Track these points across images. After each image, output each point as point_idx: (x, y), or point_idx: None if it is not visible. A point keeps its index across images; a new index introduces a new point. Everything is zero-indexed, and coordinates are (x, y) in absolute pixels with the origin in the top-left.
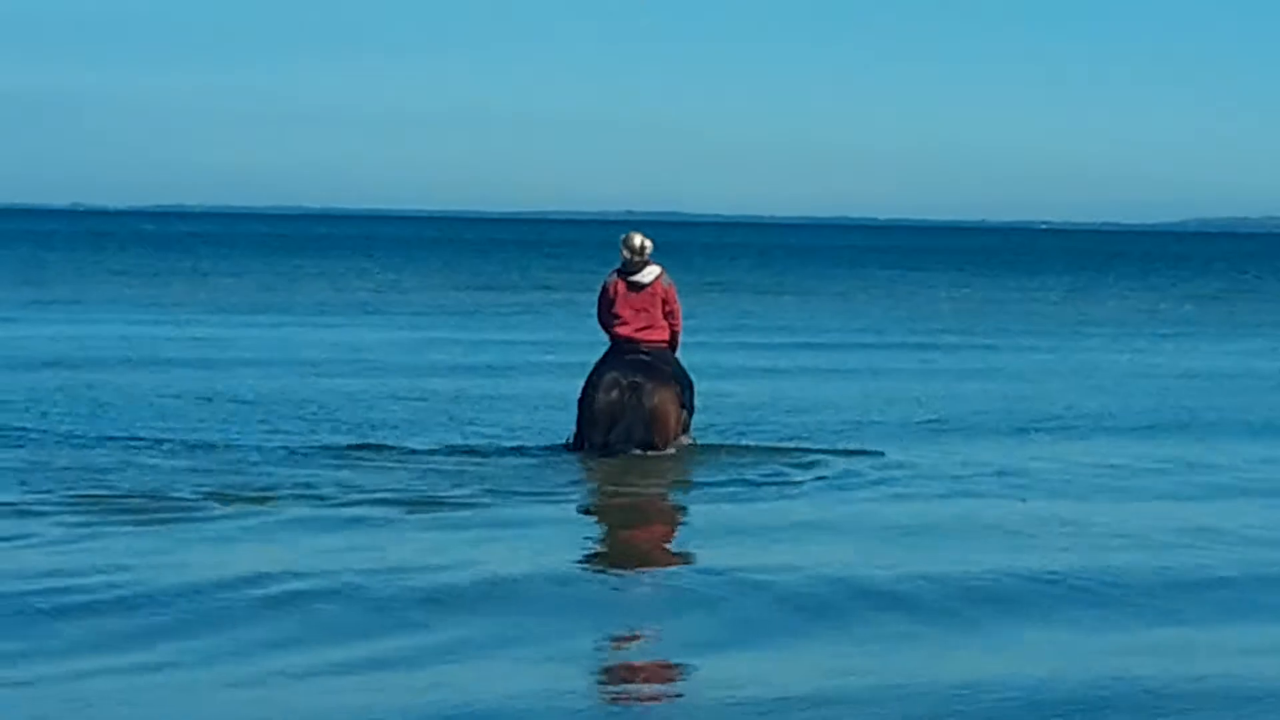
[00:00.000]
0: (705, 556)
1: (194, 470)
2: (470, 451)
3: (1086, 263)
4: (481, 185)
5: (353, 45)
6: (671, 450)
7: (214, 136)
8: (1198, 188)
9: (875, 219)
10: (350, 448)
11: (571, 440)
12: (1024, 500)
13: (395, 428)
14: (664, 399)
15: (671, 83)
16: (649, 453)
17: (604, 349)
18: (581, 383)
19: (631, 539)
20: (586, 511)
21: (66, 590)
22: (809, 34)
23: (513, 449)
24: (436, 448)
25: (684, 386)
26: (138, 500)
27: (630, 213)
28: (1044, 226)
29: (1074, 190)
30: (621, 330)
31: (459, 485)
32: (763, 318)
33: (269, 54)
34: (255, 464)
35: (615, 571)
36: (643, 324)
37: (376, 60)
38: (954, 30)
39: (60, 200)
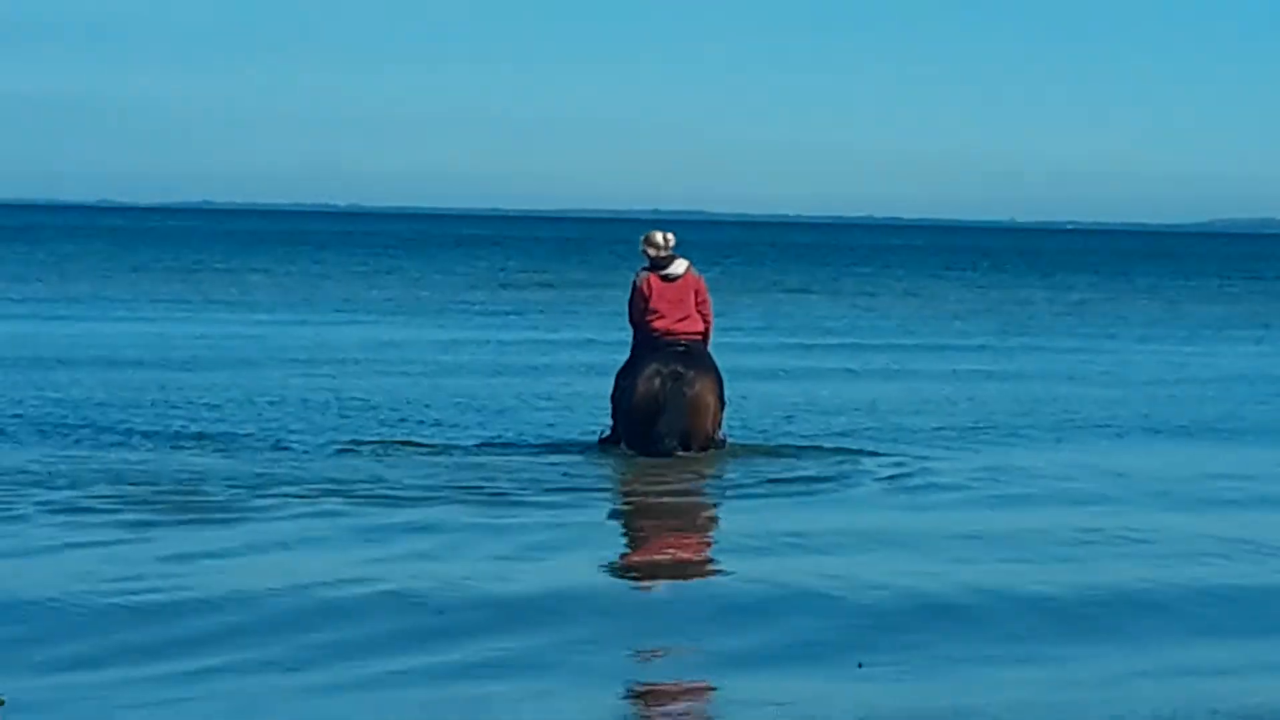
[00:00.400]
0: (756, 564)
1: (239, 468)
2: (509, 446)
3: (1115, 263)
4: (506, 183)
5: (379, 46)
6: (710, 450)
7: (239, 135)
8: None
9: (900, 219)
10: (392, 444)
11: (606, 434)
12: (1073, 507)
13: (436, 424)
14: (705, 388)
15: (696, 82)
16: (687, 453)
17: (631, 347)
18: (613, 380)
19: (678, 544)
20: (632, 513)
21: (118, 593)
22: (834, 34)
23: (550, 445)
24: (475, 444)
25: (719, 379)
26: (185, 499)
27: (656, 211)
28: (1070, 226)
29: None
30: (659, 324)
31: (500, 483)
32: (794, 317)
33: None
34: (300, 462)
35: (662, 580)
36: (680, 315)
37: (404, 60)
38: (978, 31)
39: (89, 196)
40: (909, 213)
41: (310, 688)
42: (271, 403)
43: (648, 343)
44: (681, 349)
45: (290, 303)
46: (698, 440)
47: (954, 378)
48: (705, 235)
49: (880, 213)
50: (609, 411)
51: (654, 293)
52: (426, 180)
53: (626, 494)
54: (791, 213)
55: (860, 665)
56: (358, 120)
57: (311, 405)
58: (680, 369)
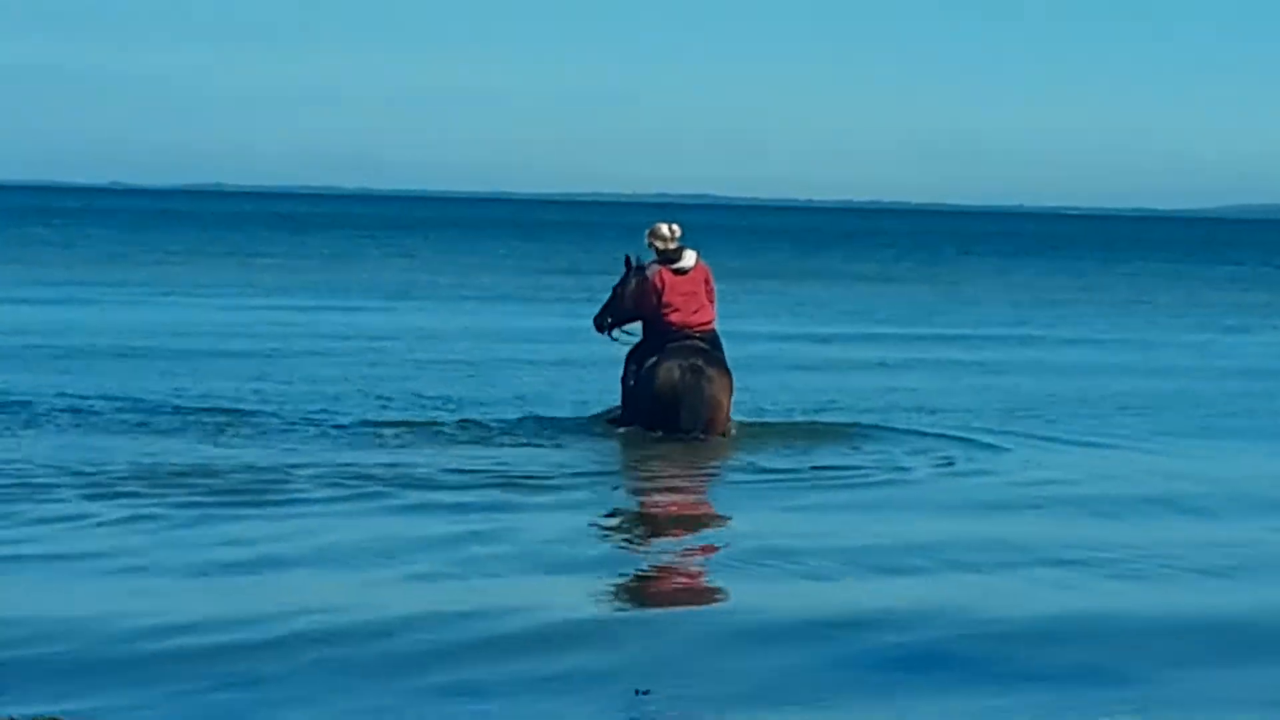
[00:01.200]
0: (800, 577)
1: (293, 454)
2: (552, 426)
3: (1125, 250)
4: (510, 167)
5: (389, 28)
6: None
7: (252, 117)
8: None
9: (908, 203)
10: (431, 427)
11: (618, 417)
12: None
13: (481, 404)
14: (721, 387)
15: (701, 65)
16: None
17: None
18: (624, 365)
19: (716, 546)
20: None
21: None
22: (840, 18)
23: (585, 429)
24: (511, 428)
25: (730, 375)
26: (240, 479)
27: (663, 195)
28: (1075, 212)
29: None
30: (675, 318)
31: (544, 466)
32: (825, 304)
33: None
34: (347, 445)
35: (703, 596)
36: (694, 308)
37: (411, 42)
38: (991, 17)
39: (100, 178)
40: (915, 197)
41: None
42: (310, 385)
43: (663, 336)
44: (700, 343)
45: (315, 287)
46: (714, 433)
47: (1002, 368)
48: (712, 219)
49: (887, 197)
50: (619, 395)
51: (667, 287)
52: (431, 165)
53: (678, 479)
54: (801, 197)
55: (639, 693)
56: (361, 103)
57: (348, 388)
58: (700, 363)
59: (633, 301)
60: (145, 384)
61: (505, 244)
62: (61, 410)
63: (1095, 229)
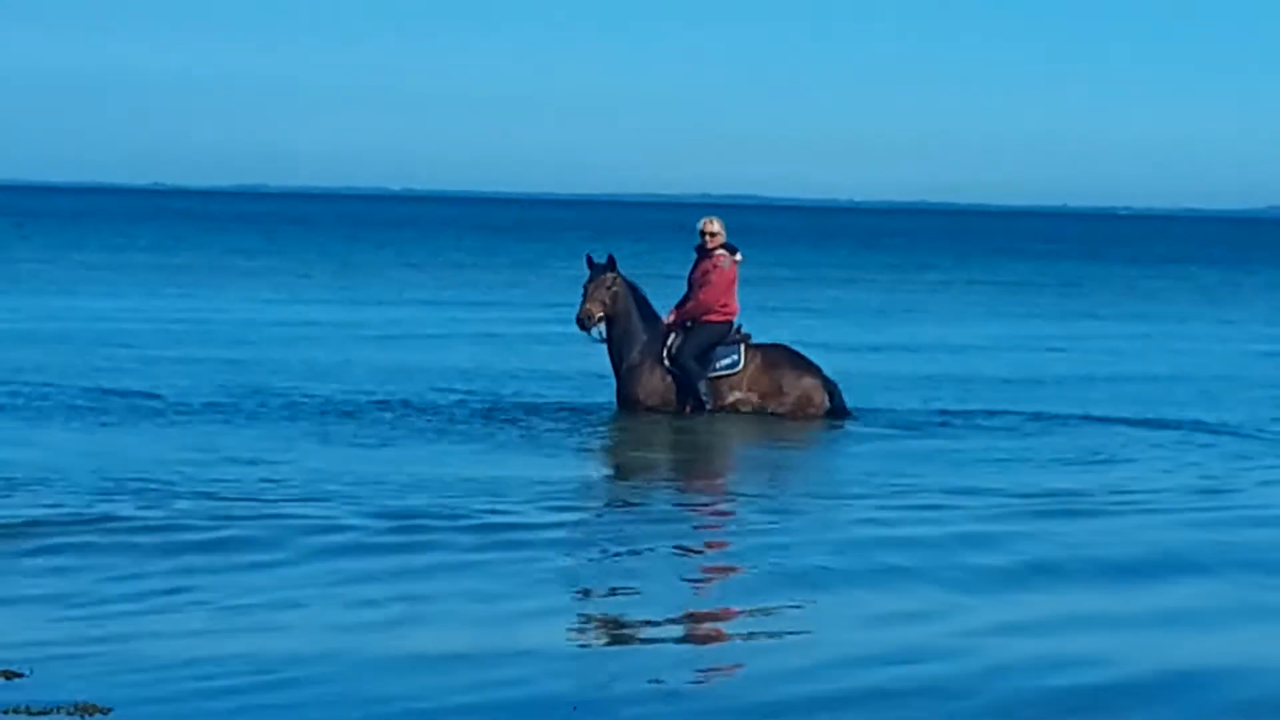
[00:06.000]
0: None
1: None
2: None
3: (1180, 249)
4: (556, 168)
5: (431, 27)
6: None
7: (292, 118)
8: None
9: (955, 204)
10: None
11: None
12: None
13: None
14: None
15: (745, 65)
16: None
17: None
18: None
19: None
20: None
21: None
22: (886, 20)
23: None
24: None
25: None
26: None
27: (706, 195)
28: (1124, 212)
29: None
30: (733, 310)
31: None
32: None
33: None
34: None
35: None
36: (737, 303)
37: (456, 43)
38: (1031, 16)
39: (141, 179)
40: (963, 198)
41: None
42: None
43: (724, 328)
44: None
45: (382, 289)
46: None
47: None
48: (760, 220)
49: (933, 198)
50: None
51: (734, 281)
52: (477, 167)
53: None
54: (843, 197)
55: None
56: (410, 101)
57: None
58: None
59: (703, 287)
60: None
61: (562, 244)
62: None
63: (1148, 228)
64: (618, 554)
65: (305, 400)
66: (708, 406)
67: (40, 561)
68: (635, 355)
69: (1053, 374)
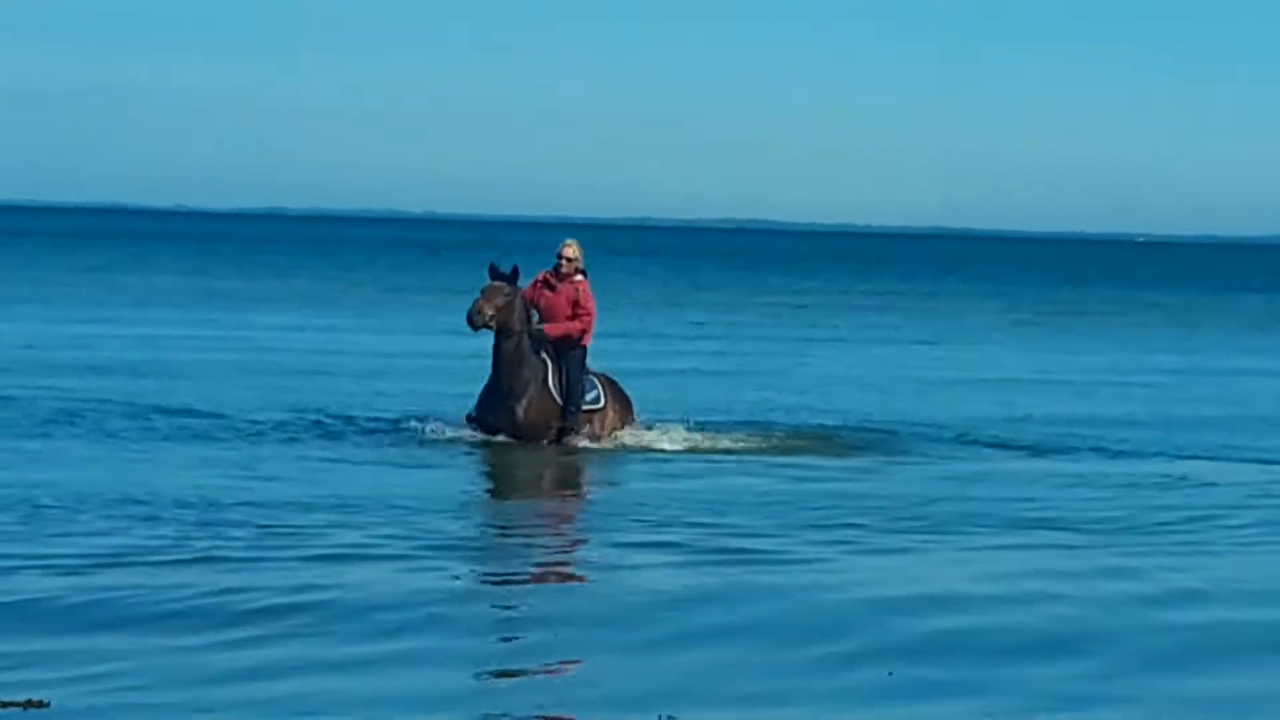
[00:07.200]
0: None
1: None
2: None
3: (1211, 277)
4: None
5: (451, 45)
6: None
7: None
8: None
9: (970, 229)
10: None
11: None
12: None
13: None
14: None
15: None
16: None
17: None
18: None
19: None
20: None
21: None
22: (901, 40)
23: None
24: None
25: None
26: None
27: (729, 220)
28: (1141, 239)
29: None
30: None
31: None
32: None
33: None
34: None
35: None
36: None
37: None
38: (1052, 41)
39: (163, 201)
40: (978, 224)
41: None
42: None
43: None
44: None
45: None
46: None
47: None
48: (772, 244)
49: (951, 223)
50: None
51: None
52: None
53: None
54: (860, 222)
55: None
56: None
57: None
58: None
59: (590, 313)
60: None
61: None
62: None
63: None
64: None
65: None
66: (583, 438)
67: None
68: (526, 374)
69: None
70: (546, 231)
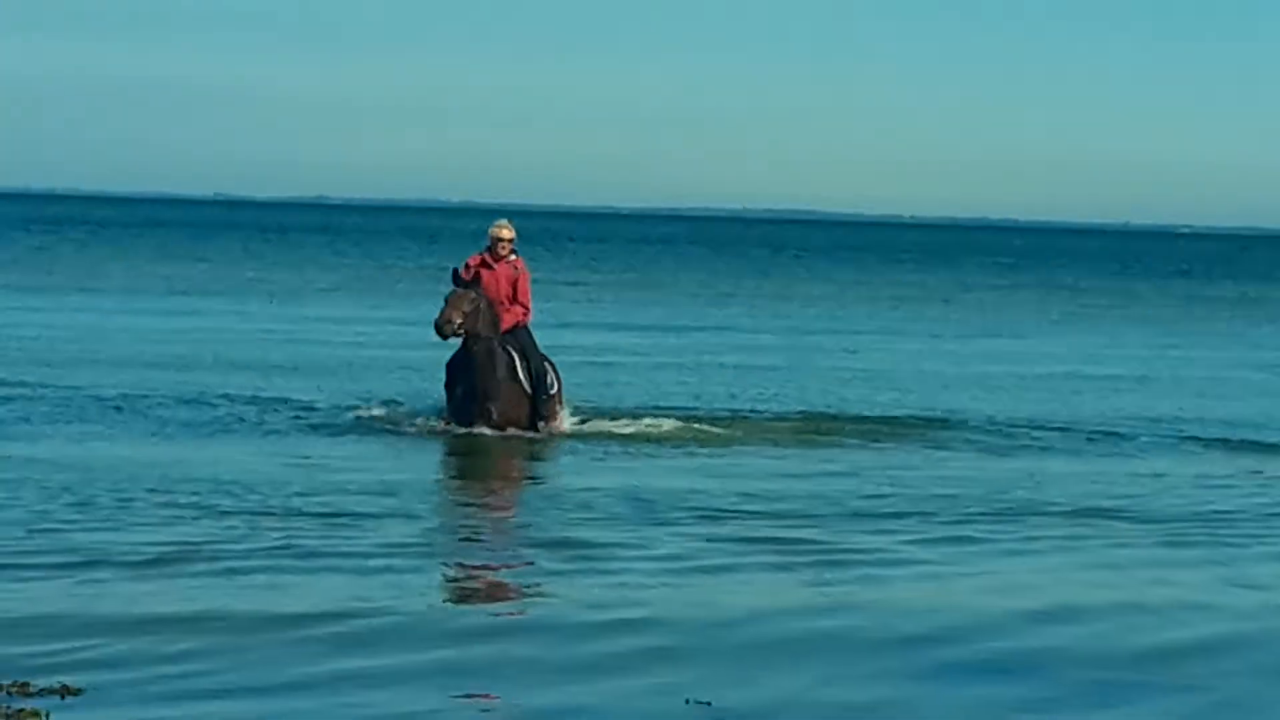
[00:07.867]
0: None
1: None
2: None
3: (1253, 268)
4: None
5: (495, 40)
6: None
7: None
8: None
9: (1016, 221)
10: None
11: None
12: None
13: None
14: None
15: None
16: None
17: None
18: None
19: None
20: None
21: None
22: (942, 35)
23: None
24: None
25: None
26: None
27: (771, 210)
28: (1186, 230)
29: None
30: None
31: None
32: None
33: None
34: None
35: None
36: None
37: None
38: (1092, 35)
39: (204, 190)
40: (1023, 215)
41: None
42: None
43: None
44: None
45: None
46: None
47: None
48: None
49: (995, 214)
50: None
51: None
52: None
53: None
54: (905, 213)
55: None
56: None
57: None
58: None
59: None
60: None
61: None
62: None
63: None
64: None
65: None
66: (552, 426)
67: None
68: (500, 373)
69: None
70: (585, 222)
